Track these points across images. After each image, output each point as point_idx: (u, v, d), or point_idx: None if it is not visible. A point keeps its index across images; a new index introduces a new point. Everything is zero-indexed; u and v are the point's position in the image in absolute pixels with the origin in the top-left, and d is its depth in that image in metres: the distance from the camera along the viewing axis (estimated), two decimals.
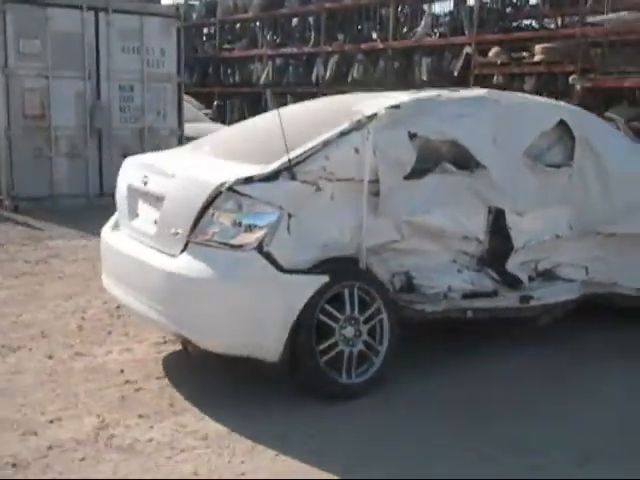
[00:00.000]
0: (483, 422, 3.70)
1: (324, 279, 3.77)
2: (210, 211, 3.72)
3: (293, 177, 3.78)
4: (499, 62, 18.65)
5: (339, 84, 22.44)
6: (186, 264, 3.77)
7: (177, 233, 3.84)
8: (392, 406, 3.87)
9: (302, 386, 3.91)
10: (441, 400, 3.99)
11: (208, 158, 4.25)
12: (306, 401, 3.88)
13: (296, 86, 23.79)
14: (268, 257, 3.67)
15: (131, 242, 4.29)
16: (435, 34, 20.44)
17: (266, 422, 3.63)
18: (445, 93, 4.47)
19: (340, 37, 22.77)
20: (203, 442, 3.40)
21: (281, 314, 3.70)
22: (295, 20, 25.29)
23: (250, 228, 3.66)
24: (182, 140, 11.17)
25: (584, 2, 17.39)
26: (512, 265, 4.41)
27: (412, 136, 4.10)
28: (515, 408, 3.92)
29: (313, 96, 23.56)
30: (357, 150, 3.94)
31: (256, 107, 24.79)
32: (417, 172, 4.13)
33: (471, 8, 19.83)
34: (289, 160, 3.78)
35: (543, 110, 4.74)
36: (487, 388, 4.19)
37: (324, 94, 23.24)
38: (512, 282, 4.39)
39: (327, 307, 3.81)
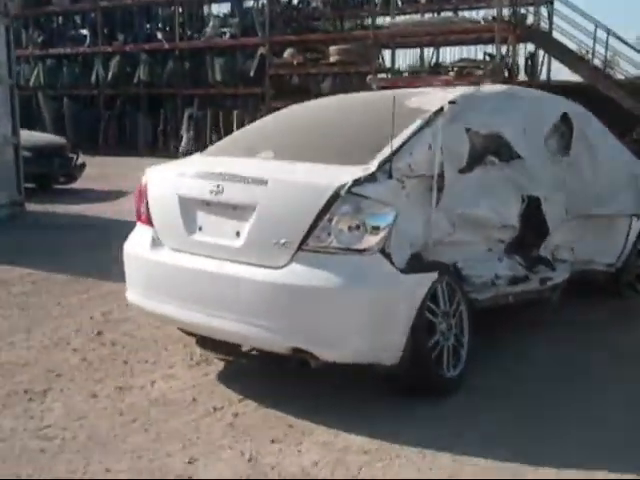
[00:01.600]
0: None
1: (434, 276, 3.76)
2: (327, 216, 3.52)
3: (390, 176, 3.72)
4: (295, 63, 19.24)
5: (124, 85, 21.66)
6: (302, 274, 3.51)
7: (283, 242, 3.57)
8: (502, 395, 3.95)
9: (411, 385, 3.85)
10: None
11: (287, 161, 3.97)
12: (404, 399, 3.84)
13: (73, 88, 22.51)
14: (389, 258, 3.56)
15: (195, 258, 3.89)
16: (225, 35, 20.50)
17: (402, 427, 3.53)
18: (479, 89, 4.63)
19: (120, 37, 21.95)
20: (372, 456, 3.22)
21: (404, 315, 3.62)
22: (61, 19, 23.88)
23: (372, 230, 3.53)
24: (19, 149, 10.09)
25: (374, 6, 18.52)
26: (543, 249, 4.71)
27: (467, 130, 4.22)
28: None
29: (92, 98, 22.41)
30: (430, 146, 3.97)
31: (27, 110, 23.00)
32: (468, 165, 4.26)
33: (261, 10, 20.21)
34: (391, 159, 3.71)
35: (552, 103, 5.07)
36: None
37: (110, 95, 22.23)
38: (544, 265, 4.69)
39: (430, 304, 3.81)
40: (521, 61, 18.55)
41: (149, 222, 4.17)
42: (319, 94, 19.51)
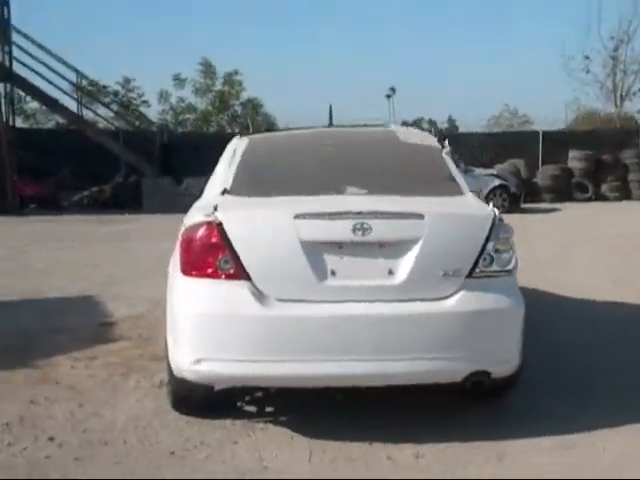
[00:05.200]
0: None
1: None
2: (490, 243, 3.78)
3: None
4: None
5: None
6: (475, 299, 3.70)
7: (452, 272, 3.68)
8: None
9: (511, 385, 4.14)
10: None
11: (391, 195, 3.96)
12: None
13: None
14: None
15: (333, 305, 3.63)
16: None
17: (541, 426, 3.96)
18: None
19: None
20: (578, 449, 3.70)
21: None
22: None
23: (513, 251, 3.90)
24: None
25: None
26: None
27: None
28: None
29: None
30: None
31: None
32: None
33: None
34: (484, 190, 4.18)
35: None
36: None
37: None
38: None
39: None
40: None
41: (238, 275, 3.62)
42: None
